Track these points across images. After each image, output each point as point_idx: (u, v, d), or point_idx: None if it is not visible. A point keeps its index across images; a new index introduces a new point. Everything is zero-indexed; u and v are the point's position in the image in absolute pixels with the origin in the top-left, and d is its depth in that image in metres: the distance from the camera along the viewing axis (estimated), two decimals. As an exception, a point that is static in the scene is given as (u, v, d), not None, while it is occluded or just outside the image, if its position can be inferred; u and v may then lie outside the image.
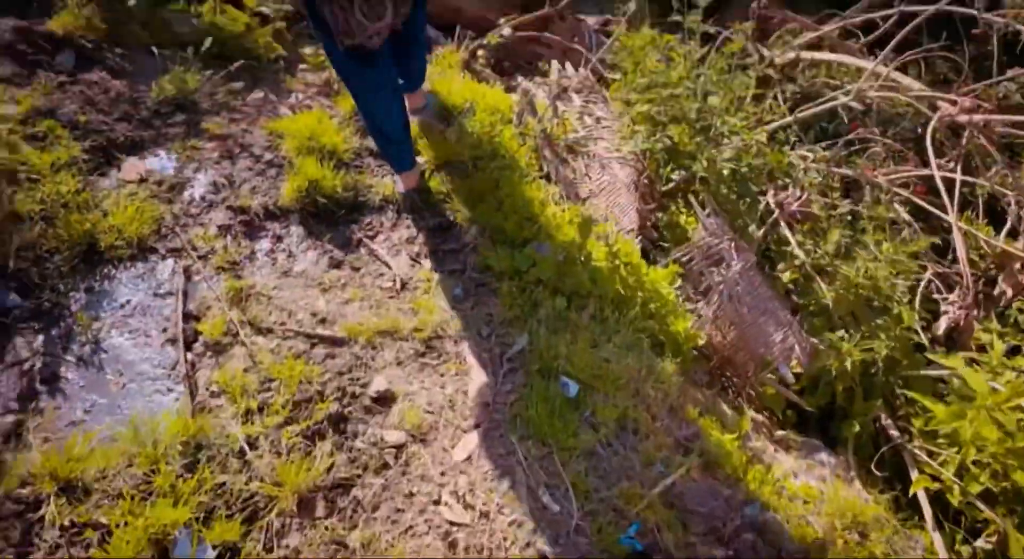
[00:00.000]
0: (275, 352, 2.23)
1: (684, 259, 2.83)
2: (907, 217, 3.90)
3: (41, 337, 2.26)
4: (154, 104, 3.19)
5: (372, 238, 2.86)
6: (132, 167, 2.88)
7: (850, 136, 4.33)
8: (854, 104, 4.03)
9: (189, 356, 2.23)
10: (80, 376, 2.19)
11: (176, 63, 3.38)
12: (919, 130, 4.66)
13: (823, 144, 4.26)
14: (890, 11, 4.31)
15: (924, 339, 2.95)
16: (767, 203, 3.52)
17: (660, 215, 3.40)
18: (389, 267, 2.70)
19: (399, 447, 1.97)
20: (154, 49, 3.40)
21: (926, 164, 4.31)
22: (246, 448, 1.90)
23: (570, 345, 2.27)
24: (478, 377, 2.20)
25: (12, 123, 2.70)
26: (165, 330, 2.32)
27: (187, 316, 2.36)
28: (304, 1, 2.30)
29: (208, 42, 3.49)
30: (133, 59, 3.42)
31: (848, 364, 2.69)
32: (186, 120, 3.19)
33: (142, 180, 2.83)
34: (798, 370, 2.71)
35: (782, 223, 3.35)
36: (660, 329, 2.53)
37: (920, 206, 3.84)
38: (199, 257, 2.58)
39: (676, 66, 3.28)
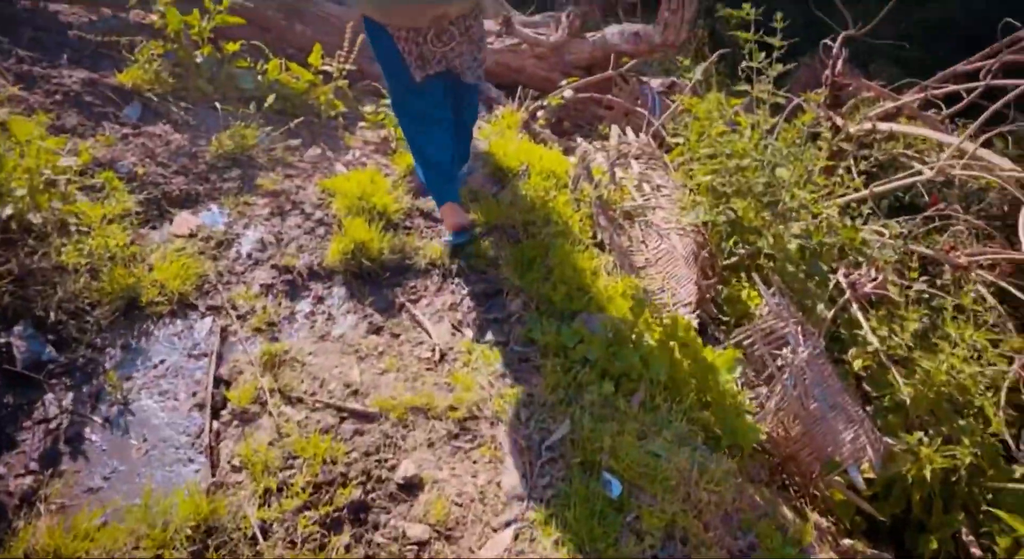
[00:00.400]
0: (302, 425, 2.12)
1: (745, 342, 2.62)
2: (992, 301, 3.60)
3: (71, 395, 2.21)
4: (212, 158, 3.21)
5: (415, 302, 2.76)
6: (183, 221, 2.87)
7: (929, 212, 4.07)
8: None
9: (215, 424, 2.14)
10: (104, 439, 2.12)
11: (238, 118, 3.42)
12: (1006, 207, 4.36)
13: (900, 219, 4.01)
14: (975, 84, 4.09)
15: (1013, 445, 2.65)
16: (837, 281, 3.29)
17: (720, 288, 3.21)
18: (429, 335, 2.58)
19: (422, 544, 1.81)
20: (217, 104, 3.44)
21: (1013, 244, 4.00)
22: (259, 535, 1.77)
23: (616, 436, 2.08)
24: (513, 467, 2.03)
25: (70, 174, 2.73)
26: (194, 394, 2.24)
27: (218, 380, 2.28)
28: (377, 41, 2.54)
29: (271, 99, 3.53)
30: (197, 113, 3.48)
31: (927, 471, 2.41)
32: (241, 175, 3.19)
33: (192, 235, 2.81)
34: (870, 475, 2.44)
35: (854, 304, 3.11)
36: (716, 421, 2.32)
37: (1005, 288, 3.54)
38: (238, 317, 2.52)
39: (742, 135, 3.13)
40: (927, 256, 3.84)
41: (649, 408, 2.26)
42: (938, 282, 4.02)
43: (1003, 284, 3.62)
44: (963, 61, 4.59)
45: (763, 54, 3.05)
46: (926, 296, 3.54)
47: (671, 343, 2.41)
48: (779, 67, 2.94)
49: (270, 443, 2.05)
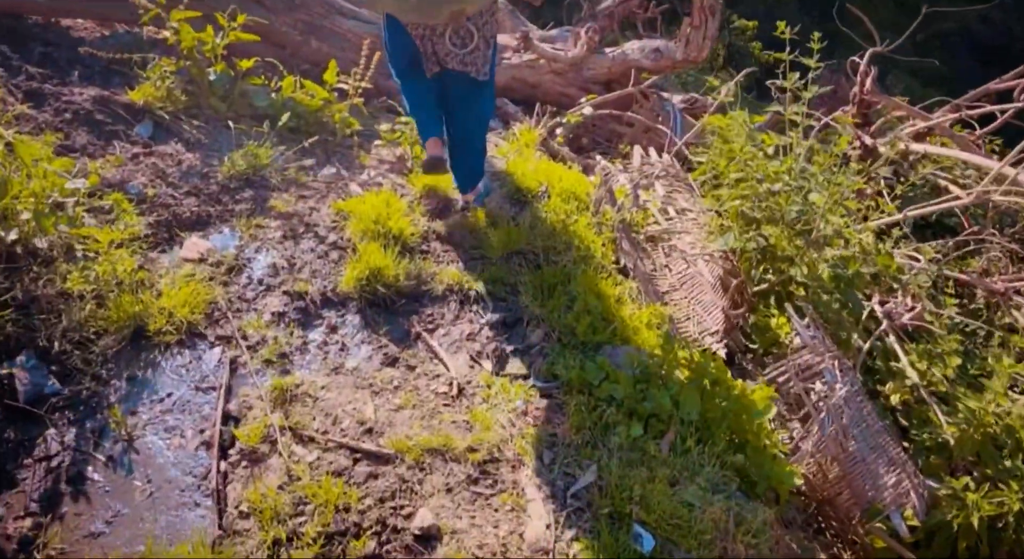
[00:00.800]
0: (314, 467, 2.01)
1: (780, 378, 2.49)
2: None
3: (74, 430, 2.11)
4: (224, 179, 3.12)
5: (431, 332, 2.64)
6: (193, 245, 2.78)
7: (962, 236, 3.93)
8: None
9: (223, 465, 2.03)
10: (107, 479, 2.02)
11: (251, 137, 3.33)
12: (1042, 230, 4.22)
13: (933, 243, 3.87)
14: (1006, 106, 3.95)
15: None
16: (872, 309, 3.15)
17: (748, 315, 3.08)
18: (447, 367, 2.47)
19: (440, 604, 1.70)
20: (230, 123, 3.36)
21: (1053, 269, 3.86)
22: (267, 593, 1.66)
23: (646, 484, 1.95)
24: (537, 517, 1.91)
25: (78, 196, 2.64)
26: (202, 431, 2.13)
27: (226, 416, 2.17)
28: (393, 35, 2.68)
29: (285, 117, 3.45)
30: (209, 132, 3.40)
31: (975, 518, 2.26)
32: (254, 196, 3.10)
33: (202, 259, 2.72)
34: (913, 522, 2.30)
35: (890, 335, 2.97)
36: (751, 464, 2.19)
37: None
38: (248, 347, 2.42)
39: (771, 159, 3.01)
40: (960, 279, 3.71)
41: (680, 452, 2.13)
42: (971, 306, 3.88)
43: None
44: (995, 79, 4.45)
45: (796, 74, 2.92)
46: (958, 322, 3.41)
47: (704, 381, 2.28)
48: (815, 89, 2.82)
49: (280, 487, 1.94)
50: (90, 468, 2.03)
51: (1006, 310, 3.62)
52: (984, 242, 4.01)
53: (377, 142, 3.72)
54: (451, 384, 2.39)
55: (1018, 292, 3.59)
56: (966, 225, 4.18)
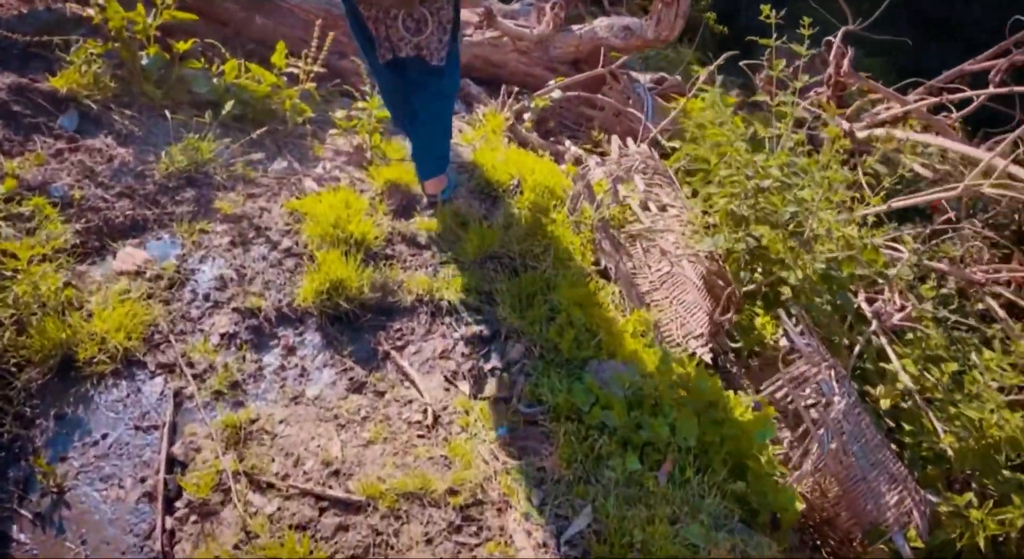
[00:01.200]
0: (275, 520, 1.78)
1: (777, 394, 2.35)
2: (1002, 314, 3.40)
3: (-7, 483, 1.84)
4: (162, 177, 2.80)
5: (401, 350, 2.41)
6: (128, 256, 2.48)
7: (939, 223, 3.85)
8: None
9: (168, 521, 1.78)
10: (35, 540, 1.76)
11: (191, 128, 3.01)
12: (1017, 216, 4.17)
13: (910, 232, 3.77)
14: (981, 92, 3.85)
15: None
16: (858, 306, 3.04)
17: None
18: (420, 392, 2.25)
19: None
20: (167, 112, 3.02)
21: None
22: None
23: (646, 525, 1.78)
24: (529, 570, 1.72)
25: (-8, 204, 2.32)
26: (143, 480, 1.88)
27: (171, 461, 1.92)
28: (351, 18, 2.54)
29: (229, 105, 3.12)
30: (144, 123, 3.06)
31: (980, 538, 2.17)
32: (196, 196, 2.80)
33: (138, 272, 2.43)
34: (917, 543, 2.19)
35: (881, 337, 2.85)
36: (752, 491, 2.04)
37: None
38: (194, 376, 2.15)
39: (758, 151, 2.83)
40: (938, 268, 3.63)
41: (679, 483, 1.97)
42: (942, 289, 3.81)
43: (1020, 301, 3.43)
44: (969, 61, 4.36)
45: (783, 61, 2.73)
46: (933, 310, 3.34)
47: (699, 402, 2.11)
48: (805, 78, 2.64)
49: (235, 546, 1.71)
50: (15, 527, 1.79)
51: (980, 298, 3.56)
52: (959, 229, 3.94)
53: (332, 131, 3.41)
54: (425, 411, 2.17)
55: (998, 283, 3.54)
56: (942, 209, 4.10)
